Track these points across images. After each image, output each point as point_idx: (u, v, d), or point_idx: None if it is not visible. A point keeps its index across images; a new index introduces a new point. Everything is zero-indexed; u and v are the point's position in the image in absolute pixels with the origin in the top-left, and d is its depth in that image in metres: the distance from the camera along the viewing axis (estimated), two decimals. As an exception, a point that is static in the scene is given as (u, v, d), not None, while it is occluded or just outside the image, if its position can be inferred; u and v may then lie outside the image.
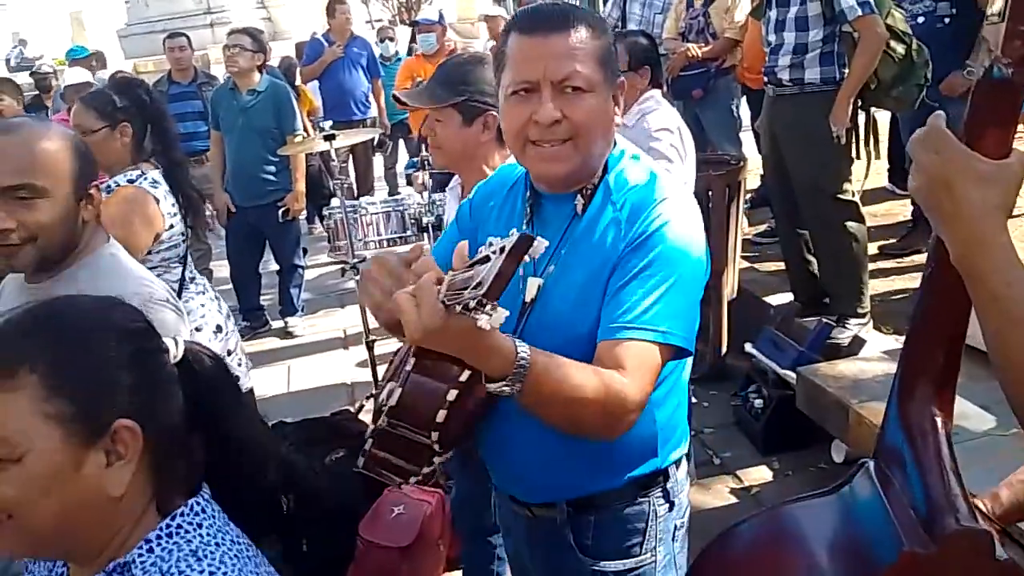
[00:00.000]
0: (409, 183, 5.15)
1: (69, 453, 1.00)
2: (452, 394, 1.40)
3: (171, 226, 2.83)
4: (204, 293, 2.96)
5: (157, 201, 2.78)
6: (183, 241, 2.91)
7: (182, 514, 1.09)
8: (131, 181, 2.81)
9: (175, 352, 1.14)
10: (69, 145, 1.85)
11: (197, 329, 2.85)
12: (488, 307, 1.16)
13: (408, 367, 1.41)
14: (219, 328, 2.92)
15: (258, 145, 5.55)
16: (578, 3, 7.98)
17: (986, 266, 0.98)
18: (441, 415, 1.40)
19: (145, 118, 2.93)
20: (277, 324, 6.06)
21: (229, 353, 2.93)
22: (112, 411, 1.02)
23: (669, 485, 1.71)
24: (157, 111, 3.01)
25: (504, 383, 1.30)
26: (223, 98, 5.67)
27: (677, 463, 1.73)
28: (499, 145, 2.21)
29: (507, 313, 1.18)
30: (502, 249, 1.13)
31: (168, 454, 1.09)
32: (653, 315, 1.45)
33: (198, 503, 1.11)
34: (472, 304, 1.14)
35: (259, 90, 5.56)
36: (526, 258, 1.15)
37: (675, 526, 1.75)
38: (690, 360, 1.66)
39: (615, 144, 1.61)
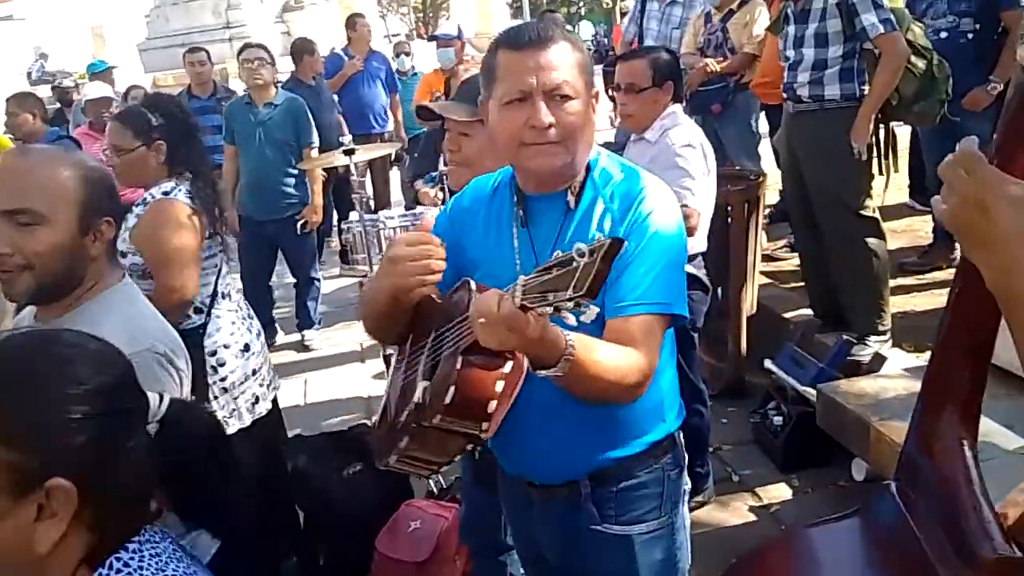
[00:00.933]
0: (416, 201, 5.14)
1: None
2: (499, 385, 1.49)
3: (209, 235, 2.87)
4: (237, 311, 2.97)
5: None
6: (219, 252, 2.95)
7: (110, 565, 1.04)
8: (166, 193, 2.83)
9: (156, 410, 1.11)
10: (80, 175, 1.76)
11: (225, 346, 2.86)
12: (583, 305, 1.27)
13: (458, 366, 1.48)
14: (247, 347, 2.93)
15: (277, 158, 5.56)
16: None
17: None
18: (492, 405, 1.49)
19: (179, 134, 2.95)
20: (294, 337, 6.07)
21: (255, 372, 2.94)
22: (50, 468, 0.98)
23: (677, 450, 1.88)
24: (190, 126, 3.02)
25: (555, 368, 1.45)
26: (239, 112, 5.67)
27: (680, 428, 1.89)
28: None
29: (598, 309, 1.32)
30: (591, 252, 1.23)
31: (115, 514, 1.05)
32: (654, 291, 1.63)
33: (132, 557, 1.06)
34: (569, 305, 1.26)
35: (276, 103, 5.58)
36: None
37: (683, 490, 1.91)
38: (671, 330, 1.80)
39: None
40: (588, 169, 1.74)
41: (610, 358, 1.55)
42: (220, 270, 2.96)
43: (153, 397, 1.11)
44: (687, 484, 1.93)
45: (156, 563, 1.06)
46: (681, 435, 1.91)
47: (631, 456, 1.79)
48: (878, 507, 1.25)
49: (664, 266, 1.66)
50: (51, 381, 1.02)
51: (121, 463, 1.04)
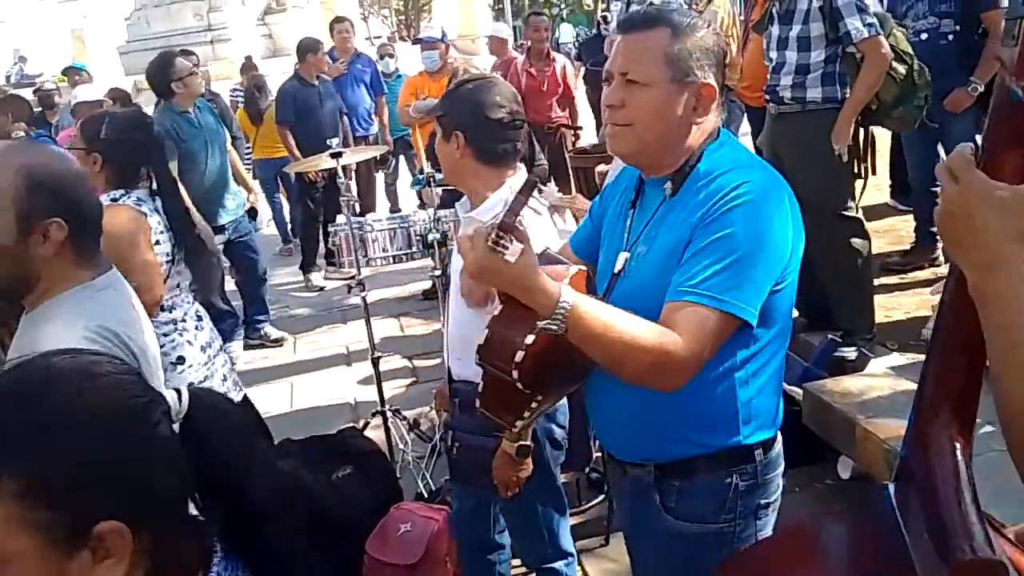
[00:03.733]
0: (422, 201, 5.17)
1: (50, 561, 0.91)
2: (530, 338, 1.54)
3: (156, 242, 2.84)
4: (172, 324, 2.90)
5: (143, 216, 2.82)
6: (166, 263, 2.90)
7: None
8: (113, 200, 2.83)
9: (177, 409, 1.04)
10: (23, 174, 1.67)
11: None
12: (504, 240, 1.37)
13: (496, 312, 1.59)
14: (181, 360, 2.86)
15: (225, 158, 5.54)
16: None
17: (1001, 294, 0.97)
18: (519, 355, 1.54)
19: (125, 152, 2.92)
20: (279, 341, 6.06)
21: (205, 379, 2.89)
22: (94, 514, 0.92)
23: (753, 465, 1.77)
24: (143, 146, 2.98)
25: (549, 321, 1.49)
26: (177, 122, 5.25)
27: (765, 445, 1.79)
28: (480, 165, 2.27)
29: (522, 246, 1.44)
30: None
31: (170, 535, 1.00)
32: (713, 283, 1.56)
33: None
34: (493, 237, 1.35)
35: (199, 106, 5.49)
36: (536, 195, 1.42)
37: (759, 504, 1.80)
38: (781, 349, 1.80)
39: (715, 135, 1.75)
40: (700, 158, 1.71)
41: (627, 328, 1.52)
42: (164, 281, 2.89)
43: (171, 396, 1.04)
44: (767, 500, 1.81)
45: None
46: (767, 452, 1.79)
47: (693, 457, 1.76)
48: (873, 509, 1.23)
49: (735, 261, 1.57)
50: (71, 424, 0.94)
51: (161, 482, 0.99)
